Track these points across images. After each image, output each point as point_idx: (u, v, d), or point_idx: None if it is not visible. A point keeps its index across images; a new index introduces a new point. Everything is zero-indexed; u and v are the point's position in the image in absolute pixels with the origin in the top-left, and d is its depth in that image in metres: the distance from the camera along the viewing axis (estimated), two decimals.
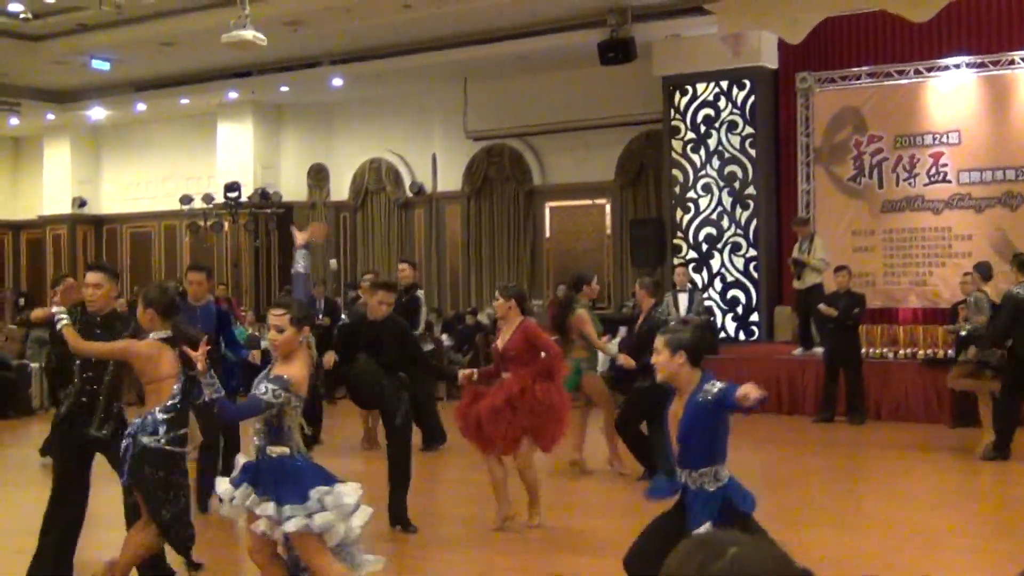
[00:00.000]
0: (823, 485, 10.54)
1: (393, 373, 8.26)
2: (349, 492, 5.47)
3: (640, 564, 5.10)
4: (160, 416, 6.02)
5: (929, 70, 15.65)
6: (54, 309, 6.47)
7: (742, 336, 16.56)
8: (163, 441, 5.99)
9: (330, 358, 8.34)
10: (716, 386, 5.01)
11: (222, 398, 5.41)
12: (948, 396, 13.01)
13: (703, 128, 16.80)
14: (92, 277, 6.69)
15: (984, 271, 12.05)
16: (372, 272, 13.73)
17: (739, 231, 16.57)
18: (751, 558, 1.66)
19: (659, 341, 5.31)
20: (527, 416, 7.98)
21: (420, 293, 12.17)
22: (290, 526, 5.29)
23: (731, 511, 5.06)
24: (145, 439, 5.97)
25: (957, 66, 15.46)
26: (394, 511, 8.24)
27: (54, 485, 6.77)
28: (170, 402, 6.06)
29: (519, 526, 8.18)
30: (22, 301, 24.07)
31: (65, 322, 6.33)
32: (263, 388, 5.34)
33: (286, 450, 5.40)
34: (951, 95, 15.51)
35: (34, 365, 16.41)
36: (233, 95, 21.18)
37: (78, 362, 6.63)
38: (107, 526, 7.30)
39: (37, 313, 6.72)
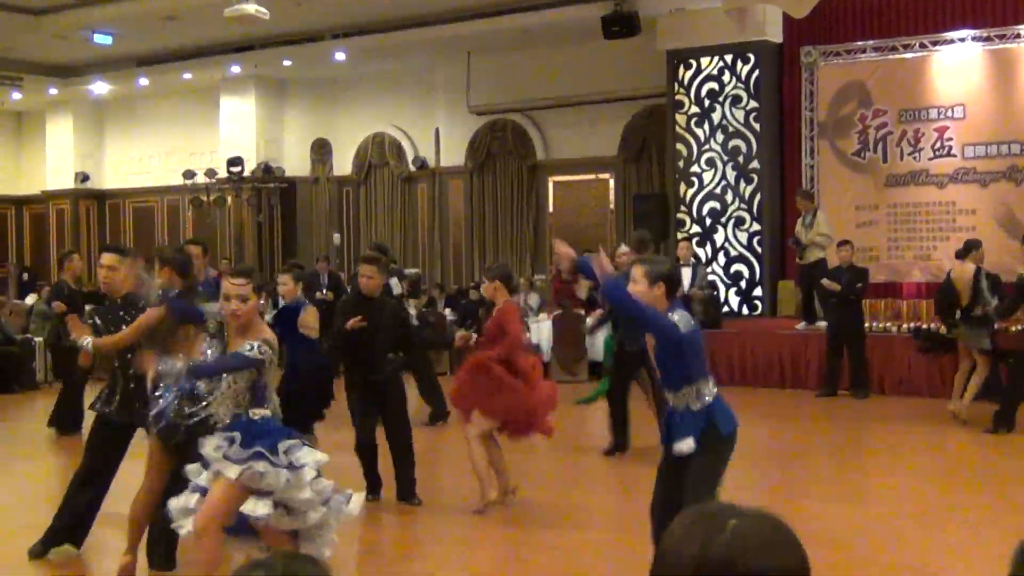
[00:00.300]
0: (826, 459, 10.56)
1: (386, 355, 8.28)
2: (312, 459, 5.31)
3: (660, 508, 5.37)
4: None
5: (934, 44, 15.58)
6: (79, 342, 6.49)
7: (745, 311, 16.56)
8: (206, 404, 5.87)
9: (355, 322, 8.21)
10: (674, 316, 5.25)
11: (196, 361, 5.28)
12: (951, 370, 12.99)
13: (707, 102, 16.75)
14: (107, 259, 6.69)
15: (962, 248, 11.94)
16: (373, 244, 13.63)
17: (743, 206, 16.54)
18: (750, 530, 1.68)
19: (637, 271, 5.38)
20: (481, 393, 7.85)
21: None
22: (259, 466, 5.12)
23: (714, 432, 5.32)
24: (190, 413, 5.84)
25: (962, 40, 15.39)
26: (400, 486, 8.28)
27: (88, 466, 6.78)
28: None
29: (519, 500, 8.17)
30: (26, 276, 24.12)
31: (89, 341, 6.37)
32: (248, 346, 5.23)
33: (267, 412, 5.33)
34: (956, 69, 15.45)
35: (38, 339, 16.46)
36: (236, 69, 21.13)
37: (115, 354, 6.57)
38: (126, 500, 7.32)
39: (84, 360, 6.71)
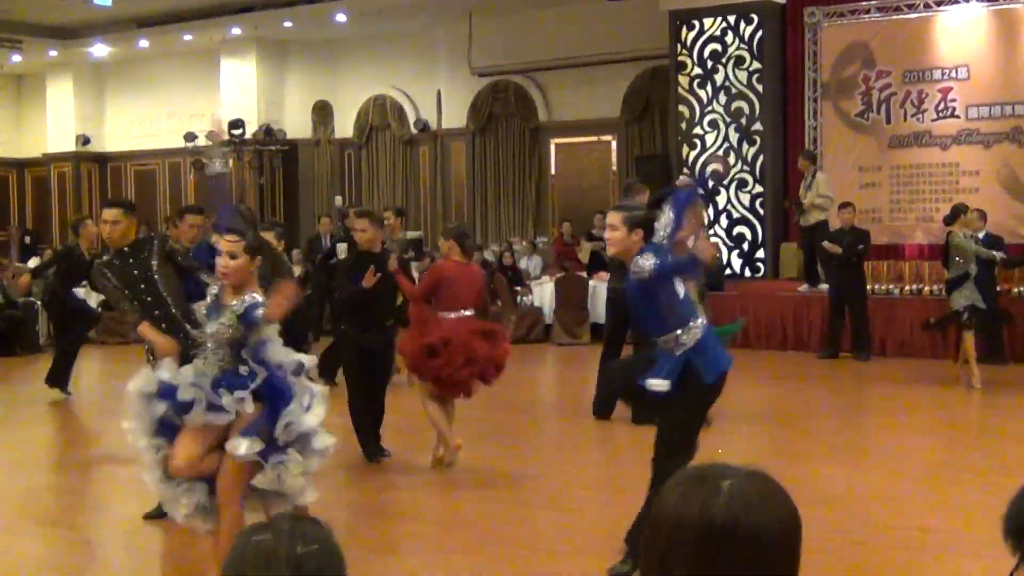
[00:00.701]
0: (828, 420, 10.58)
1: (387, 319, 8.40)
2: (318, 399, 5.22)
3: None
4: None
5: (938, 4, 15.48)
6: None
7: (748, 273, 16.56)
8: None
9: (370, 279, 8.00)
10: (648, 260, 5.03)
11: None
12: (953, 332, 13.00)
13: (710, 64, 16.66)
14: (109, 214, 6.69)
15: (949, 214, 11.89)
16: (392, 208, 13.41)
17: (745, 167, 16.50)
18: (745, 488, 1.71)
19: (615, 217, 5.23)
20: None
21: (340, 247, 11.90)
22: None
23: (692, 379, 5.18)
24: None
25: (967, 0, 15.29)
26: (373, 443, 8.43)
27: None
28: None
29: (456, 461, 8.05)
30: (28, 239, 24.11)
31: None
32: (235, 304, 5.01)
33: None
34: (960, 29, 15.36)
35: (40, 303, 16.48)
36: (236, 31, 21.02)
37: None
38: None
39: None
